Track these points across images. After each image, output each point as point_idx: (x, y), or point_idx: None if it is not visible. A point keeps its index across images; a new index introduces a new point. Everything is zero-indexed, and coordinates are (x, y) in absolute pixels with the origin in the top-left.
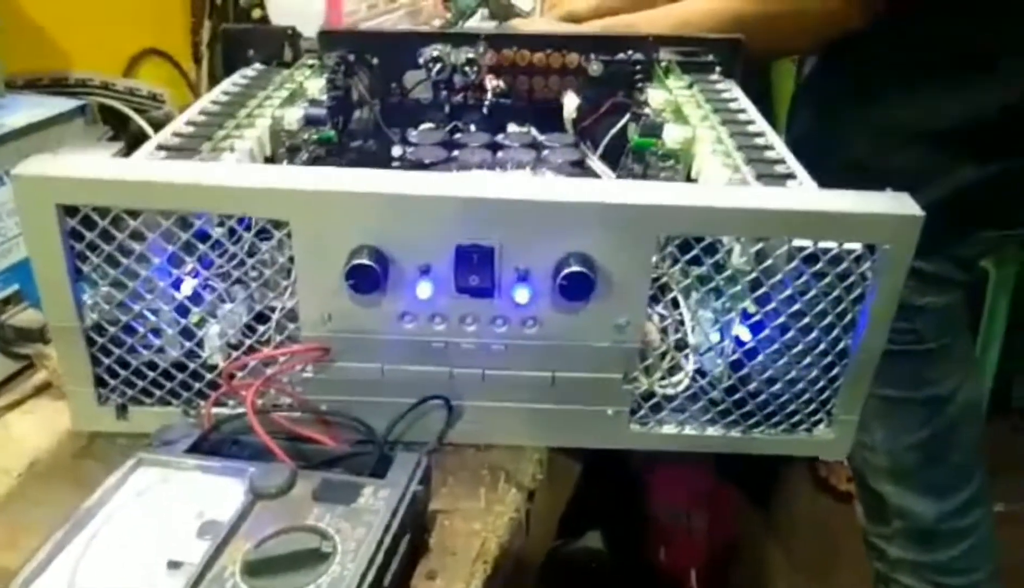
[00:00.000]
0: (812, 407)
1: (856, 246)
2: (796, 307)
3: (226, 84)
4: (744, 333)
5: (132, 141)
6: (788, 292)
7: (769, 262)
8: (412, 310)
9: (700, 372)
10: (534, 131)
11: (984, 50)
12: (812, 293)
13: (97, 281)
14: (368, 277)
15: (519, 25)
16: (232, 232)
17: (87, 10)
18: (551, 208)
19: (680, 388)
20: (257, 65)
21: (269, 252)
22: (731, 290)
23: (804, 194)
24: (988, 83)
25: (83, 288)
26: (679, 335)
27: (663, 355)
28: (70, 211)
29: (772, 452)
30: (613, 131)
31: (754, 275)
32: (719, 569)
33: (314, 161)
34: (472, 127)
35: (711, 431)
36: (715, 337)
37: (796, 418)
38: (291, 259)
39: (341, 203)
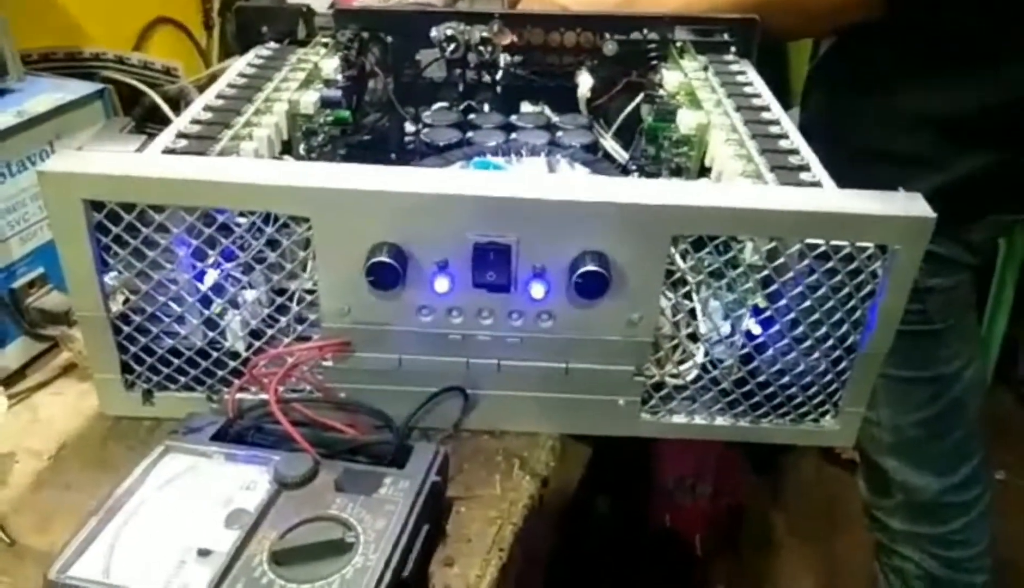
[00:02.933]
0: (819, 399)
1: (868, 244)
2: (806, 303)
3: (241, 64)
4: (754, 327)
5: (146, 115)
6: (799, 289)
7: (781, 260)
8: (430, 304)
9: (711, 364)
10: (547, 111)
11: (996, 40)
12: (823, 290)
13: (123, 272)
14: (388, 274)
15: None
16: (254, 226)
17: None
18: (568, 207)
19: (690, 379)
20: (271, 44)
21: (290, 246)
22: (743, 285)
23: (818, 194)
24: (1000, 72)
25: (109, 279)
26: (690, 329)
27: (674, 347)
28: (96, 206)
29: (779, 441)
30: (627, 111)
31: (766, 272)
32: (724, 535)
33: (330, 141)
34: (486, 106)
35: (720, 420)
36: (726, 330)
37: (803, 409)
38: (312, 254)
39: (361, 200)
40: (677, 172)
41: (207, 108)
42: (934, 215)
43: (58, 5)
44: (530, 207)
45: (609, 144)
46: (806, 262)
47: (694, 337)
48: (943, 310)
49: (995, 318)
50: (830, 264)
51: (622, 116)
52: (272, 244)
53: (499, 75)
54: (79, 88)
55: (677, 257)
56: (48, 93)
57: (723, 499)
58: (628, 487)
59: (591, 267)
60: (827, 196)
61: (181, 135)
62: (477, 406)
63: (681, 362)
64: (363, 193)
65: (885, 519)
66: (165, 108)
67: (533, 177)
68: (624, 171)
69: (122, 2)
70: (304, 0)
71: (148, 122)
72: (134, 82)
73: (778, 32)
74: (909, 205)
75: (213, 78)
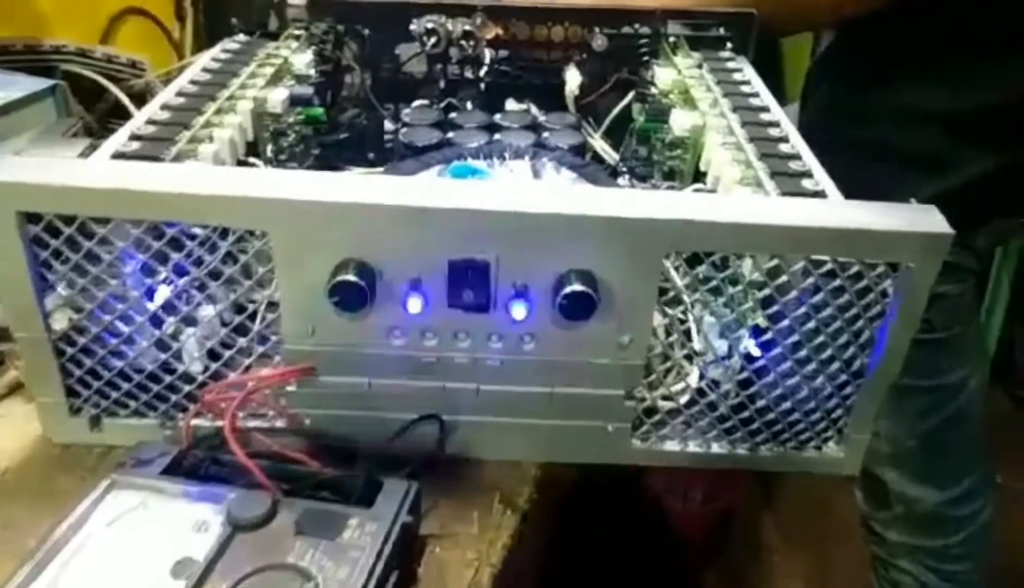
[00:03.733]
0: (823, 425)
1: (879, 262)
2: (810, 324)
3: (205, 59)
4: (754, 348)
5: (111, 111)
6: (803, 309)
7: (784, 278)
8: (401, 325)
9: (707, 387)
10: (533, 109)
11: (1008, 35)
12: (828, 310)
13: (63, 290)
14: (353, 294)
15: None
16: (208, 240)
17: None
18: (551, 221)
19: (684, 403)
20: (240, 36)
21: (248, 261)
22: (742, 304)
23: (824, 208)
24: (1008, 69)
25: (50, 298)
26: (685, 350)
27: (667, 370)
28: (33, 218)
29: (779, 469)
30: (617, 110)
31: (767, 291)
32: (716, 543)
33: (302, 140)
34: (468, 104)
35: (716, 448)
36: (723, 351)
37: (805, 436)
38: (272, 270)
39: (324, 213)
40: (670, 176)
41: (165, 107)
42: (951, 231)
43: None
44: (510, 221)
45: (598, 144)
46: (811, 280)
47: (689, 358)
48: (947, 318)
49: (990, 320)
50: (837, 282)
51: (611, 115)
52: (228, 259)
53: (483, 71)
54: (29, 84)
55: (672, 272)
56: None
57: (715, 503)
58: (618, 490)
59: (577, 287)
60: (834, 209)
61: (134, 137)
62: (454, 433)
63: (675, 386)
64: (326, 205)
65: (883, 531)
66: (128, 104)
67: (513, 188)
68: (614, 173)
69: None
70: None
71: (112, 119)
72: (96, 77)
73: (777, 26)
74: (924, 219)
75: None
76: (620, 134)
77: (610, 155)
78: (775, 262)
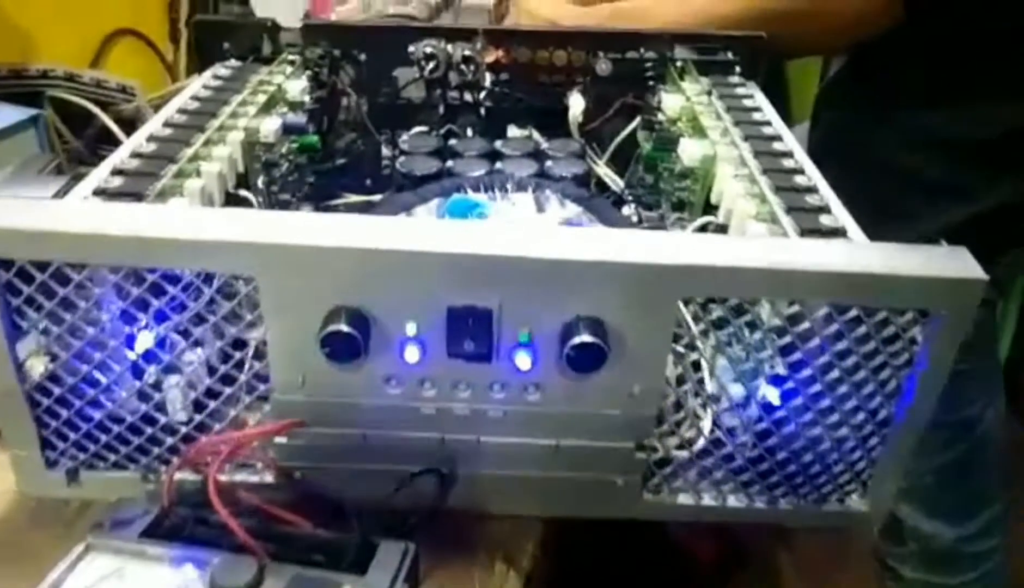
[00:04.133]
0: (846, 477)
1: (908, 309)
2: (834, 373)
3: (195, 86)
4: (773, 396)
5: (100, 137)
6: (825, 357)
7: (806, 325)
8: (398, 374)
9: (722, 438)
10: (536, 135)
11: None
12: (853, 358)
13: (39, 338)
14: (346, 345)
15: (522, 3)
16: (191, 285)
17: None
18: (559, 267)
19: (699, 455)
20: (232, 62)
21: (235, 308)
22: (760, 352)
23: (850, 251)
24: None
25: (22, 346)
26: (699, 399)
27: (681, 420)
28: (3, 263)
29: (798, 524)
30: (622, 136)
31: (788, 339)
32: (724, 571)
33: (295, 170)
34: (468, 130)
35: (732, 501)
36: (739, 399)
37: (827, 488)
38: (260, 317)
39: (314, 258)
40: (679, 207)
41: (151, 138)
42: (985, 277)
43: (10, 17)
44: (514, 267)
45: (603, 171)
46: (834, 327)
47: (703, 407)
48: (964, 350)
49: (999, 345)
50: (862, 329)
51: (617, 141)
52: (213, 306)
53: (483, 96)
54: (9, 114)
55: (688, 318)
56: None
57: (724, 534)
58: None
59: (586, 338)
60: (860, 252)
61: (117, 171)
62: (454, 486)
63: (689, 437)
64: (316, 250)
65: (898, 567)
66: (117, 131)
67: (517, 230)
68: (619, 201)
69: (81, 13)
70: (270, 14)
71: (102, 145)
72: (84, 102)
73: (788, 48)
74: (956, 264)
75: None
76: (625, 160)
77: (615, 182)
78: (796, 308)
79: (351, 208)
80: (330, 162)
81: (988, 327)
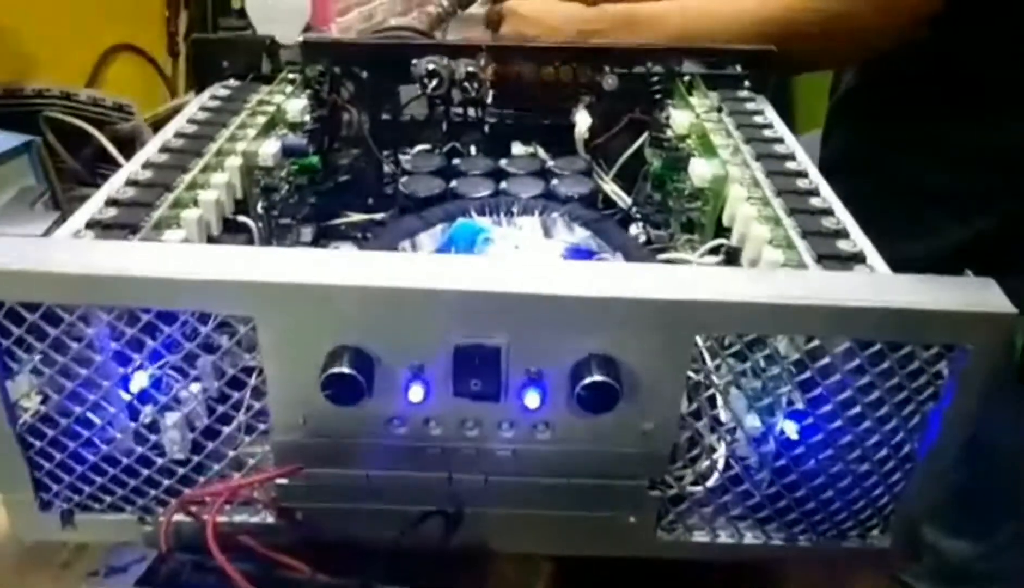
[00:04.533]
0: (867, 513)
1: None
2: (855, 409)
3: (193, 108)
4: (791, 431)
5: (97, 155)
6: (847, 393)
7: (826, 360)
8: (402, 414)
9: (738, 476)
10: (541, 152)
11: None
12: (875, 393)
13: (31, 378)
14: (348, 387)
15: (516, 6)
16: (187, 325)
17: (55, 3)
18: (569, 304)
19: (714, 492)
20: (231, 81)
21: (233, 347)
22: (778, 388)
23: (870, 284)
24: None
25: (13, 386)
26: (715, 435)
27: (696, 457)
28: None
29: (816, 559)
30: (629, 152)
31: (808, 374)
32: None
33: (296, 191)
34: (472, 148)
35: (749, 538)
36: (756, 434)
37: (848, 524)
38: (258, 356)
39: (314, 297)
40: (689, 227)
41: (147, 165)
42: (1015, 310)
43: (9, 33)
44: (523, 304)
45: (610, 188)
46: (856, 362)
47: (719, 443)
48: None
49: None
50: (885, 364)
51: (624, 157)
52: (210, 345)
53: (487, 113)
54: (3, 141)
55: (705, 353)
56: None
57: None
58: None
59: (598, 377)
60: (882, 285)
61: (112, 202)
62: (462, 525)
63: (704, 474)
64: (316, 288)
65: (913, 583)
66: (113, 151)
67: (525, 266)
68: (627, 219)
69: (80, 29)
70: (269, 28)
71: (100, 163)
72: (80, 123)
73: (807, 61)
74: (984, 297)
75: (173, 114)
76: (632, 175)
77: (622, 199)
78: (816, 342)
79: (354, 227)
80: (332, 181)
81: (1009, 344)
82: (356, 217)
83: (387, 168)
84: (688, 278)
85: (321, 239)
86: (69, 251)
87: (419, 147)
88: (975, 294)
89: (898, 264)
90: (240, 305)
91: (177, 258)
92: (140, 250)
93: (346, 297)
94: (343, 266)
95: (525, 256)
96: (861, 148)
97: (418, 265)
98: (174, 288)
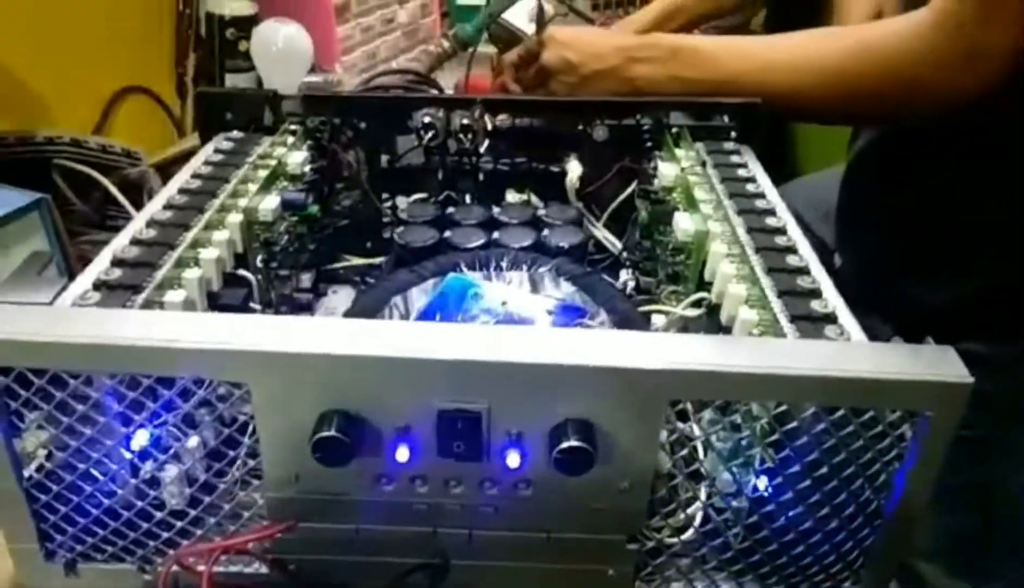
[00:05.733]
0: (838, 567)
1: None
2: (823, 469)
3: (197, 162)
4: (763, 487)
5: (105, 199)
6: (815, 455)
7: (793, 424)
8: (389, 473)
9: (713, 530)
10: (534, 198)
11: None
12: (842, 454)
13: (38, 434)
14: (337, 450)
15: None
16: (186, 389)
17: (65, 47)
18: (546, 372)
19: (691, 545)
20: (234, 133)
21: (227, 410)
22: (749, 447)
23: (833, 353)
24: None
25: (20, 444)
26: (689, 494)
27: (671, 512)
28: (3, 370)
29: None
30: (618, 200)
31: (776, 436)
32: None
33: (297, 239)
34: (467, 196)
35: None
36: (729, 490)
37: (819, 578)
38: (252, 418)
39: (304, 365)
40: (674, 278)
41: (151, 222)
42: (971, 379)
43: (20, 77)
44: (502, 371)
45: (600, 234)
46: (822, 425)
47: (694, 499)
48: (995, 416)
49: None
50: (851, 427)
51: (613, 205)
52: (207, 407)
53: (481, 162)
54: (13, 198)
55: (674, 417)
56: None
57: None
58: None
59: (574, 442)
60: (847, 354)
61: (117, 261)
62: (447, 577)
63: (679, 527)
64: (306, 357)
65: None
66: (121, 199)
67: (504, 334)
68: (616, 263)
69: (89, 71)
70: (274, 72)
71: (110, 206)
72: (89, 171)
73: (858, 115)
74: (942, 366)
75: (180, 159)
76: (623, 219)
77: (613, 244)
78: (784, 407)
79: (352, 271)
80: (331, 226)
81: (1011, 394)
82: (355, 261)
83: (385, 210)
84: (659, 346)
85: (320, 283)
86: (74, 320)
87: (415, 196)
88: (934, 363)
89: (919, 311)
90: (234, 372)
91: (175, 326)
92: (141, 318)
93: (334, 365)
94: (332, 334)
95: (505, 327)
96: (886, 195)
97: (403, 334)
98: (172, 356)
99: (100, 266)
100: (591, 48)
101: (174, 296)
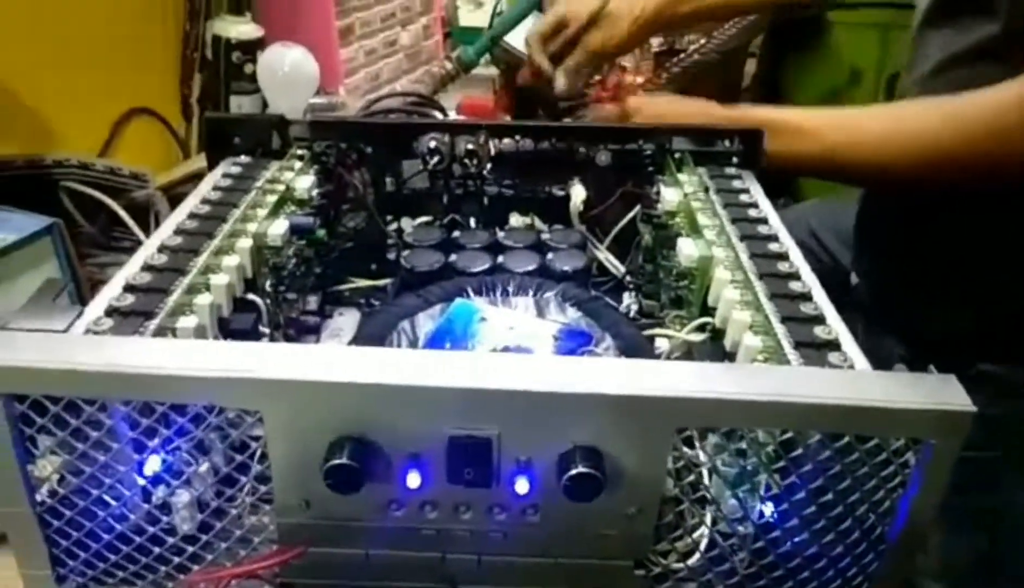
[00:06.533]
0: None
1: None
2: (828, 496)
3: (206, 187)
4: (769, 513)
5: (112, 219)
6: (820, 481)
7: (798, 452)
8: (400, 499)
9: (720, 553)
10: (538, 222)
11: None
12: (846, 481)
13: (51, 460)
14: (348, 477)
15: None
16: (199, 416)
17: (72, 69)
18: (555, 400)
19: (697, 570)
20: (243, 158)
21: (240, 436)
22: (755, 473)
23: (838, 381)
24: None
25: (33, 470)
26: (695, 519)
27: (678, 537)
28: (19, 397)
29: None
30: (622, 224)
31: (781, 464)
32: None
33: (303, 263)
34: (472, 220)
35: None
36: (736, 515)
37: None
38: (264, 445)
39: (317, 393)
40: (678, 303)
41: (162, 248)
42: (973, 408)
43: (26, 104)
44: (512, 399)
45: (603, 256)
46: (827, 453)
47: (700, 524)
48: (1007, 437)
49: None
50: (855, 455)
51: (617, 228)
52: (220, 434)
53: (485, 185)
54: (25, 224)
55: (681, 445)
56: None
57: None
58: None
59: (582, 469)
60: (851, 382)
61: (129, 288)
62: None
63: (686, 552)
64: (319, 385)
65: None
66: (129, 221)
67: (514, 362)
68: (619, 286)
69: (94, 95)
70: (279, 94)
71: (117, 228)
72: (97, 194)
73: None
74: (944, 395)
75: (185, 181)
76: (626, 242)
77: (616, 267)
78: (790, 434)
79: (357, 293)
80: (336, 249)
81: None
82: (360, 283)
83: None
84: (667, 374)
85: (326, 305)
86: (90, 348)
87: (420, 219)
88: (937, 392)
89: (934, 332)
90: (247, 400)
91: (189, 354)
92: (154, 346)
93: (347, 392)
94: (344, 362)
95: (515, 355)
96: (902, 218)
97: (414, 362)
98: (187, 384)
99: (112, 292)
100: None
101: (186, 322)
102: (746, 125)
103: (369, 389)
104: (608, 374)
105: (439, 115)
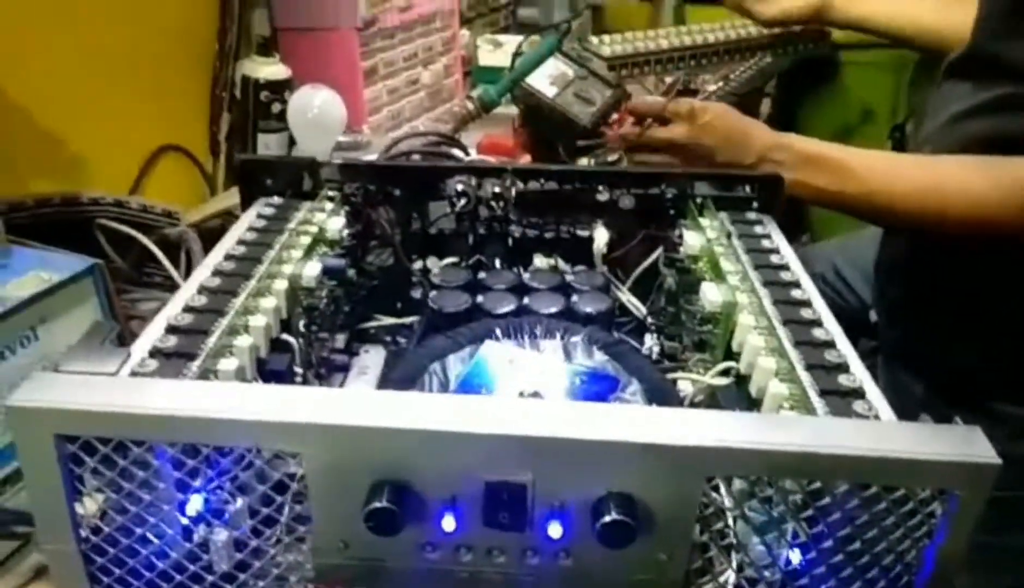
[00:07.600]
0: None
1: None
2: (855, 544)
3: (241, 228)
4: (797, 560)
5: (144, 254)
6: (847, 530)
7: (826, 500)
8: (435, 541)
9: None
10: (561, 263)
11: None
12: (873, 531)
13: (93, 502)
14: (388, 520)
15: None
16: (242, 459)
17: (104, 107)
18: (590, 447)
19: None
20: (275, 198)
21: (281, 477)
22: (784, 521)
23: (867, 433)
24: None
25: (79, 507)
26: (724, 565)
27: (707, 582)
28: (69, 437)
29: None
30: (644, 266)
31: (809, 512)
32: None
33: (333, 302)
34: (497, 261)
35: None
36: (763, 561)
37: None
38: (305, 487)
39: (357, 437)
40: (701, 347)
41: (202, 289)
42: (998, 461)
43: (60, 140)
44: (548, 446)
45: (626, 298)
46: (855, 502)
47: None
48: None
49: None
50: (883, 504)
51: (639, 270)
52: (262, 476)
53: (510, 227)
54: (67, 263)
55: (711, 492)
56: (34, 271)
57: None
58: None
59: (616, 516)
60: (878, 433)
61: (171, 329)
62: None
63: None
64: (359, 430)
65: None
66: (161, 257)
67: (550, 409)
68: (641, 327)
69: (126, 132)
70: (306, 134)
71: (148, 263)
72: (130, 231)
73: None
74: (971, 447)
75: (214, 217)
76: (648, 283)
77: (638, 309)
78: (818, 484)
79: (383, 330)
80: (364, 287)
81: None
82: (387, 321)
83: (415, 271)
84: (698, 423)
85: (353, 343)
86: (139, 391)
87: (446, 260)
88: (964, 444)
89: (952, 370)
90: (289, 442)
91: (234, 398)
92: (202, 390)
93: (387, 437)
94: (384, 408)
95: (547, 401)
96: (922, 257)
97: (452, 408)
98: (232, 427)
99: (156, 332)
100: (729, 138)
101: (227, 364)
102: (788, 155)
103: (409, 435)
104: (642, 422)
105: (461, 154)
